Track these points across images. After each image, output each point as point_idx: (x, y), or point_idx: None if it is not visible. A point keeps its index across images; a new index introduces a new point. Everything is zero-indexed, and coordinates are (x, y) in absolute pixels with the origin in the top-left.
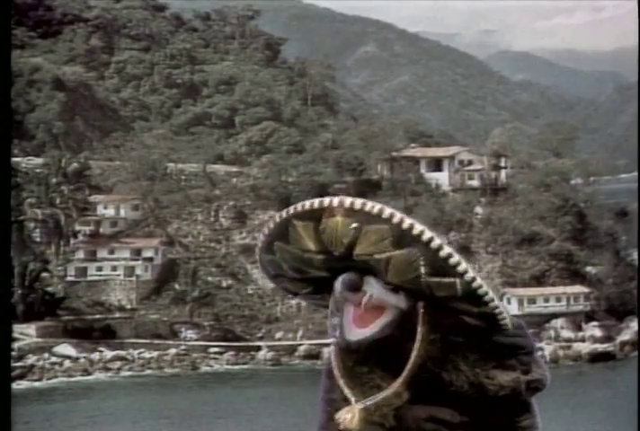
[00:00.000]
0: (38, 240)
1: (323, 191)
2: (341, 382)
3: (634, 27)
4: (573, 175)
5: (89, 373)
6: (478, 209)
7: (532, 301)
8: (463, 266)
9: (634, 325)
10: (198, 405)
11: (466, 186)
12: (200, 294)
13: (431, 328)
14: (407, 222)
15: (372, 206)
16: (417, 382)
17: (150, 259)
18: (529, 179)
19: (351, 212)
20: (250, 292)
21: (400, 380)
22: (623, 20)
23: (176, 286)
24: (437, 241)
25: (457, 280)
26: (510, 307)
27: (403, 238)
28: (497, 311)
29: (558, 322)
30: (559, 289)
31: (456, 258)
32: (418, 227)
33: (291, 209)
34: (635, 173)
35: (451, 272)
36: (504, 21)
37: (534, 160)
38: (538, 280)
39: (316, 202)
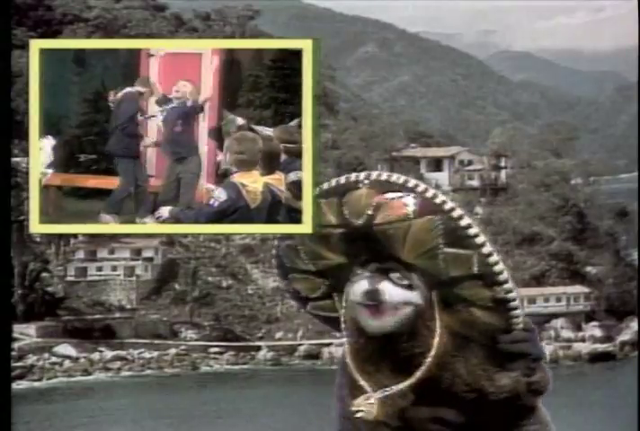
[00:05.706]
0: (38, 240)
1: None
2: (356, 375)
3: (634, 27)
4: (573, 175)
5: (89, 373)
6: (478, 209)
7: (532, 301)
8: (482, 238)
9: (634, 325)
10: (198, 405)
11: (466, 186)
12: (200, 294)
13: (444, 325)
14: (431, 191)
15: (398, 177)
16: (422, 384)
17: (150, 259)
18: (529, 179)
19: (376, 183)
20: (250, 292)
21: (418, 374)
22: (623, 20)
23: (176, 286)
24: (459, 211)
25: (475, 253)
26: None
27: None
28: (510, 295)
29: (558, 322)
30: (559, 289)
31: (475, 229)
32: (441, 196)
33: (317, 190)
34: (635, 173)
35: (469, 245)
36: (504, 22)
37: (534, 160)
38: (538, 280)
39: (342, 178)
